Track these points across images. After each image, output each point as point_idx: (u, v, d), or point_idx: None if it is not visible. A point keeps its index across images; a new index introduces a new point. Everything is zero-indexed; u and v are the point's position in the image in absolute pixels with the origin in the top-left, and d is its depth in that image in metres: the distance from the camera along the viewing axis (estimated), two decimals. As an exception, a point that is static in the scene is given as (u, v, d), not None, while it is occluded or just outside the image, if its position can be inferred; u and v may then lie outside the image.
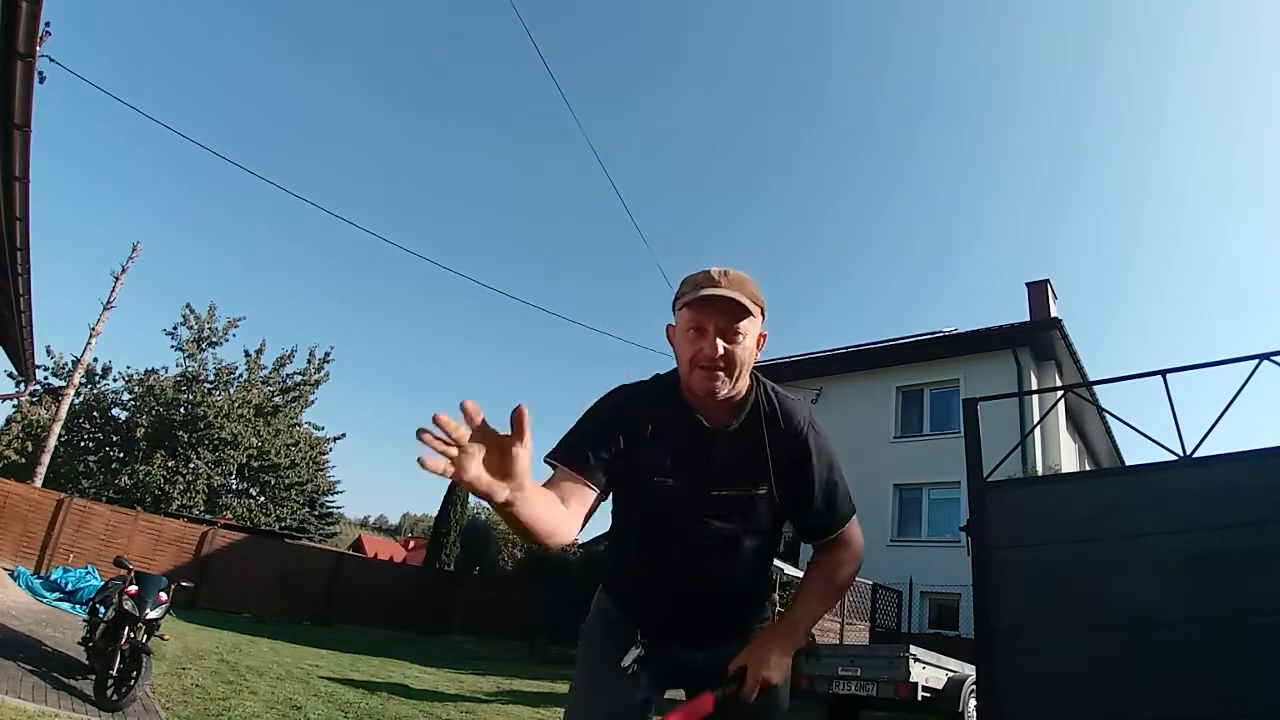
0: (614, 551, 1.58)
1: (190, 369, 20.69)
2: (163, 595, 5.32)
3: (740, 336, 1.27)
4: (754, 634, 1.48)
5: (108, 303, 17.15)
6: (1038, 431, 13.55)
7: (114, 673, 4.76)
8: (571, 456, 1.29)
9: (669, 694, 1.53)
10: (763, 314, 1.32)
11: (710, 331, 1.26)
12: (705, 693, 1.26)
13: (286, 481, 22.76)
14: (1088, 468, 17.59)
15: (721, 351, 1.26)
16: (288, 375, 22.70)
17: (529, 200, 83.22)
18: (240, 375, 21.58)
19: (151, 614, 5.13)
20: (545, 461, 1.31)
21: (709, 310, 1.26)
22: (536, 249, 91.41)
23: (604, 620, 1.55)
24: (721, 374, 1.27)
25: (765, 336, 1.36)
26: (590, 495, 1.27)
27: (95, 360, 19.72)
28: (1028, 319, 16.03)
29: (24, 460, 18.89)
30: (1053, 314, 15.64)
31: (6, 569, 10.69)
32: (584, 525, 1.26)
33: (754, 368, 1.37)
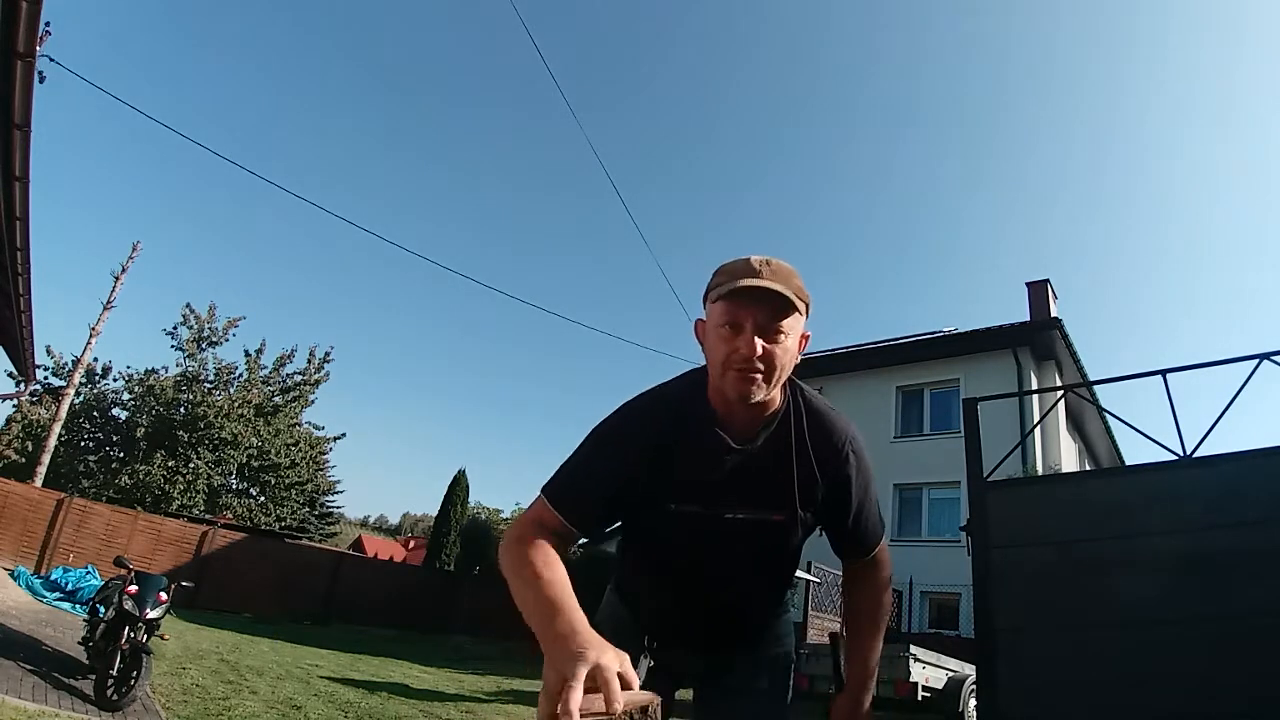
0: (623, 556, 1.52)
1: (190, 369, 20.68)
2: (163, 595, 5.32)
3: (782, 336, 1.11)
4: (766, 640, 1.48)
5: (108, 302, 17.16)
6: (1038, 431, 13.55)
7: (114, 672, 4.76)
8: (566, 505, 1.17)
9: (678, 695, 1.54)
10: (807, 311, 1.15)
11: (748, 328, 1.09)
12: None
13: (286, 481, 22.75)
14: (1088, 468, 17.58)
15: (760, 351, 1.09)
16: (288, 375, 22.69)
17: (529, 197, 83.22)
18: (240, 375, 21.56)
19: (151, 614, 5.13)
20: (544, 495, 1.20)
21: (747, 304, 1.09)
22: (536, 246, 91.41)
23: (613, 619, 1.51)
24: (759, 376, 1.11)
25: (808, 337, 1.20)
26: (576, 537, 1.18)
27: (95, 360, 19.72)
28: (1028, 319, 16.02)
29: (24, 460, 18.90)
30: (1053, 314, 15.64)
31: (6, 569, 10.69)
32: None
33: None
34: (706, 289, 1.17)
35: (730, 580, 1.34)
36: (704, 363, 1.24)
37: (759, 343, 1.09)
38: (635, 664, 1.35)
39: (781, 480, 1.23)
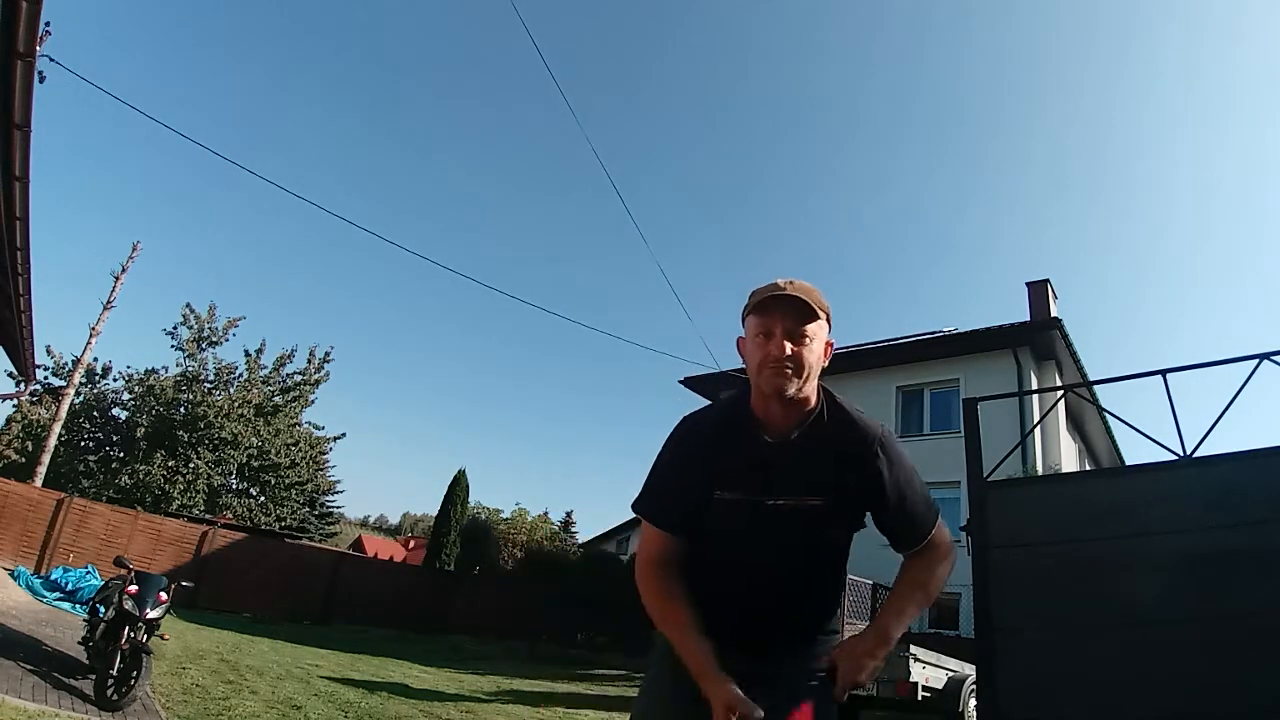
0: None
1: (190, 369, 20.68)
2: (163, 595, 5.32)
3: (807, 340, 1.30)
4: (820, 646, 1.46)
5: (108, 302, 17.16)
6: (1038, 431, 13.54)
7: (114, 672, 4.76)
8: (664, 520, 1.41)
9: None
10: (829, 321, 1.35)
11: (777, 333, 1.30)
12: (805, 704, 1.31)
13: (286, 481, 22.75)
14: (1088, 468, 17.58)
15: (789, 351, 1.28)
16: (288, 375, 22.69)
17: (529, 196, 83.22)
18: (240, 375, 21.57)
19: (152, 614, 5.13)
20: (634, 512, 1.43)
21: (775, 314, 1.30)
22: (536, 243, 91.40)
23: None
24: (789, 372, 1.28)
25: (832, 345, 1.38)
26: (681, 541, 1.41)
27: (95, 360, 19.73)
28: (1028, 319, 16.02)
29: (24, 460, 18.90)
30: (1053, 314, 15.63)
31: (6, 569, 10.69)
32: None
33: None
34: (743, 311, 1.39)
35: (774, 567, 1.43)
36: (747, 376, 1.43)
37: (788, 345, 1.29)
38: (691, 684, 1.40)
39: (816, 470, 1.37)
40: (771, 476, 1.37)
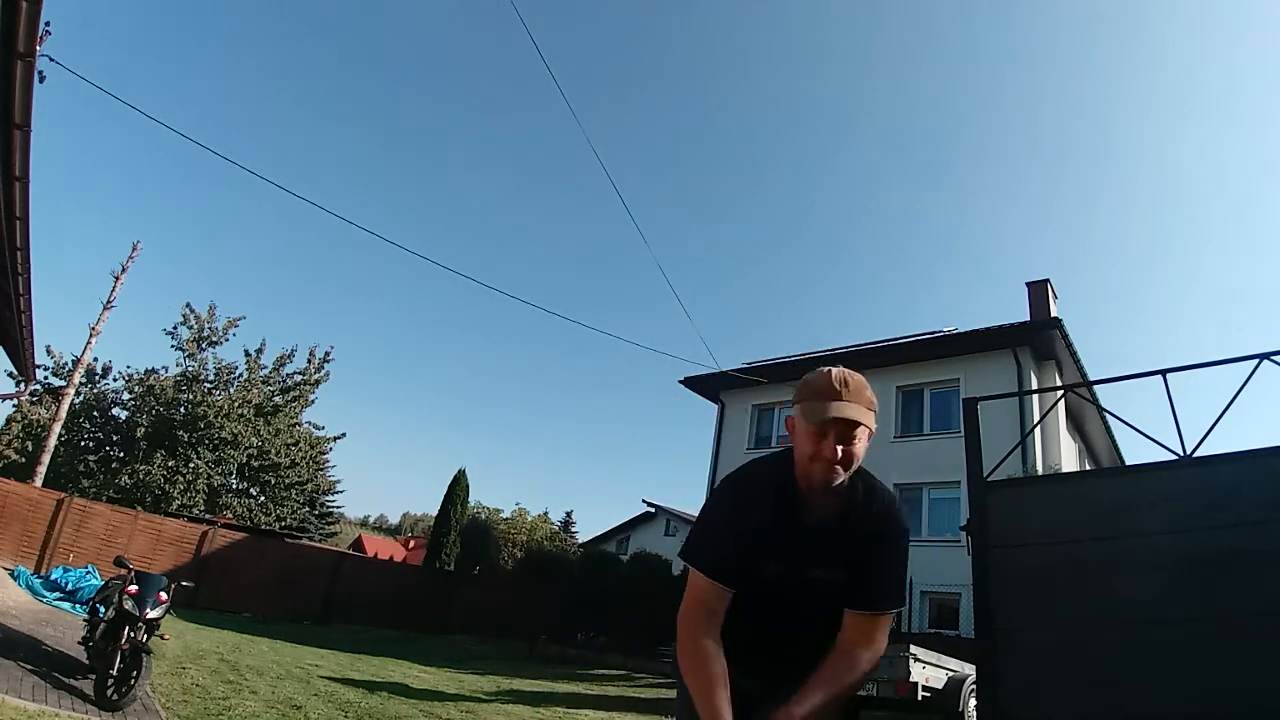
0: None
1: (190, 369, 20.68)
2: (163, 595, 5.32)
3: (856, 440, 1.41)
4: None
5: (108, 302, 17.16)
6: (1038, 431, 13.54)
7: (114, 672, 4.76)
8: (722, 575, 1.49)
9: None
10: (876, 413, 1.46)
11: (831, 436, 1.40)
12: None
13: (286, 481, 22.75)
14: (1088, 468, 17.58)
15: (840, 455, 1.39)
16: (288, 375, 22.69)
17: (529, 196, 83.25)
18: (240, 375, 21.57)
19: (151, 613, 5.13)
20: (684, 561, 1.53)
21: (832, 418, 1.40)
22: (535, 242, 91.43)
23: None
24: (839, 469, 1.41)
25: (873, 431, 1.48)
26: (729, 593, 1.49)
27: (95, 360, 19.73)
28: (1028, 319, 16.02)
29: (24, 460, 18.90)
30: (1053, 314, 15.63)
31: (6, 568, 10.69)
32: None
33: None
34: (796, 395, 1.49)
35: (792, 619, 1.58)
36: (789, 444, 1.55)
37: (839, 448, 1.40)
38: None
39: (846, 548, 1.50)
40: (810, 553, 1.50)
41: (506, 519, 24.15)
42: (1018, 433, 10.05)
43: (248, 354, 21.92)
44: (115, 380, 20.67)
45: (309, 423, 23.97)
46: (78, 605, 9.44)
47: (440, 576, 18.58)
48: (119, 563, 5.51)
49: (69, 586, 10.22)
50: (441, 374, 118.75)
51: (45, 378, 19.11)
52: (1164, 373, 3.55)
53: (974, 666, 5.35)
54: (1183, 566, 3.08)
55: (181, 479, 19.38)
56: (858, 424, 1.40)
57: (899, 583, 1.52)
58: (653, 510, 29.57)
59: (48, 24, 7.03)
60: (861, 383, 1.45)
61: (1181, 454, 3.29)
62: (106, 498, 17.14)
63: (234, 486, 22.24)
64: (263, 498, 22.78)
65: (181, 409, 19.90)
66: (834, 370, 1.45)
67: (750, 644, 1.57)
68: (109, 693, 4.70)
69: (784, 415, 18.89)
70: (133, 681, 4.64)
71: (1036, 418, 12.59)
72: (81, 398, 19.76)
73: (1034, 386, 14.26)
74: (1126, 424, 3.89)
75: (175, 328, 20.84)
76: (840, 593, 1.52)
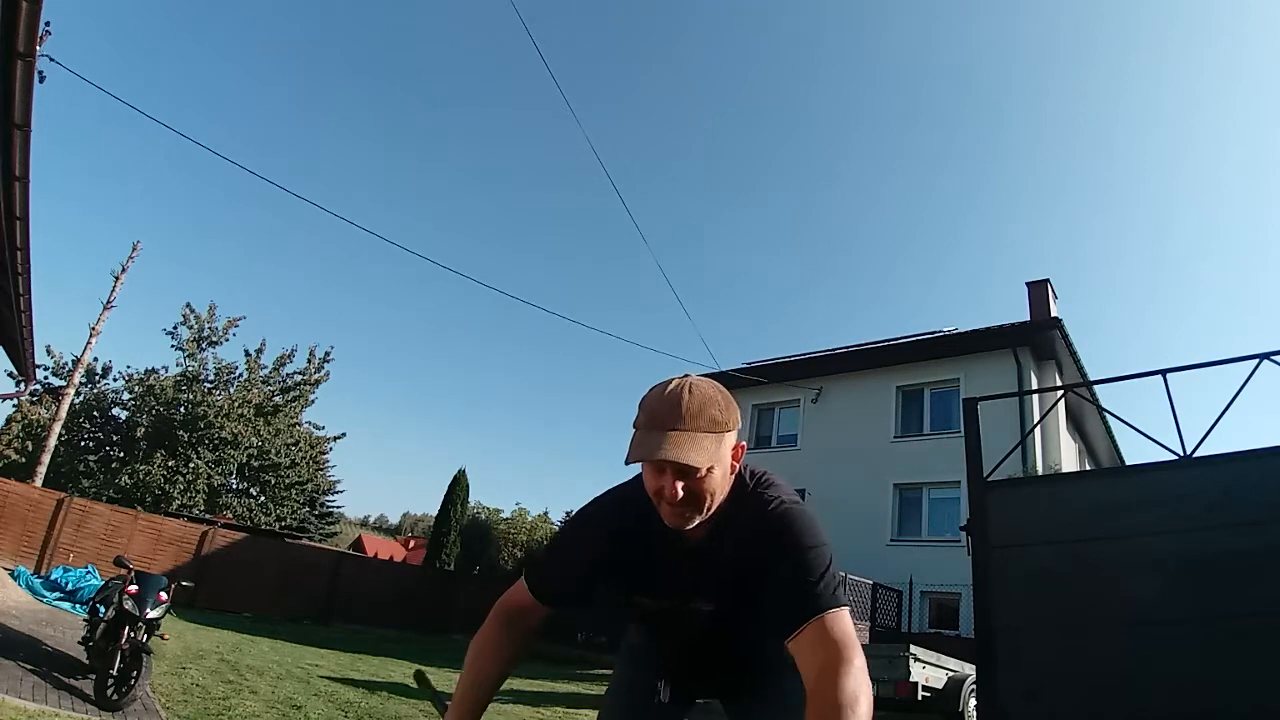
0: None
1: (190, 368, 20.68)
2: (163, 595, 5.32)
3: (700, 475, 1.12)
4: (783, 688, 1.41)
5: (108, 302, 17.16)
6: (1038, 431, 13.55)
7: (114, 672, 4.76)
8: (540, 595, 1.36)
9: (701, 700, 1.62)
10: (731, 431, 1.16)
11: (669, 473, 1.11)
12: None
13: (286, 481, 22.76)
14: (1088, 468, 17.59)
15: (681, 494, 1.11)
16: (288, 375, 22.70)
17: (528, 195, 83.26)
18: (240, 375, 21.57)
19: (152, 613, 5.13)
20: (523, 581, 1.38)
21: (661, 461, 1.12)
22: (535, 242, 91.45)
23: (631, 649, 1.68)
24: (685, 511, 1.15)
25: (742, 448, 1.22)
26: (543, 609, 1.37)
27: (95, 360, 19.73)
28: (1028, 319, 16.03)
29: (24, 460, 18.90)
30: (1053, 313, 15.64)
31: (7, 568, 10.69)
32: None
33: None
34: (635, 419, 1.17)
35: (702, 650, 1.47)
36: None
37: (679, 486, 1.11)
38: (655, 689, 1.53)
39: (721, 575, 1.29)
40: (678, 582, 1.33)
41: (506, 519, 24.14)
42: (1018, 433, 10.05)
43: (248, 354, 21.93)
44: (115, 380, 20.70)
45: (309, 423, 24.00)
46: (78, 605, 9.44)
47: (440, 576, 18.58)
48: (119, 563, 5.51)
49: (69, 586, 10.22)
50: (441, 374, 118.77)
51: (45, 378, 19.13)
52: (1164, 373, 3.55)
53: (974, 666, 5.35)
54: (1182, 566, 3.08)
55: (181, 479, 19.39)
56: (695, 466, 1.09)
57: (822, 584, 1.13)
58: (653, 510, 29.52)
59: (48, 24, 7.03)
60: (705, 399, 1.12)
61: (1181, 454, 3.29)
62: (106, 498, 17.14)
63: (234, 486, 22.25)
64: (263, 498, 22.79)
65: (181, 409, 19.91)
66: (671, 387, 1.14)
67: (674, 661, 1.54)
68: (109, 693, 4.70)
69: (784, 415, 18.92)
70: (133, 681, 4.64)
71: (1036, 418, 12.59)
72: (81, 398, 19.76)
73: (1034, 386, 14.27)
74: (1126, 424, 3.89)
75: (175, 328, 20.86)
76: (732, 622, 1.33)
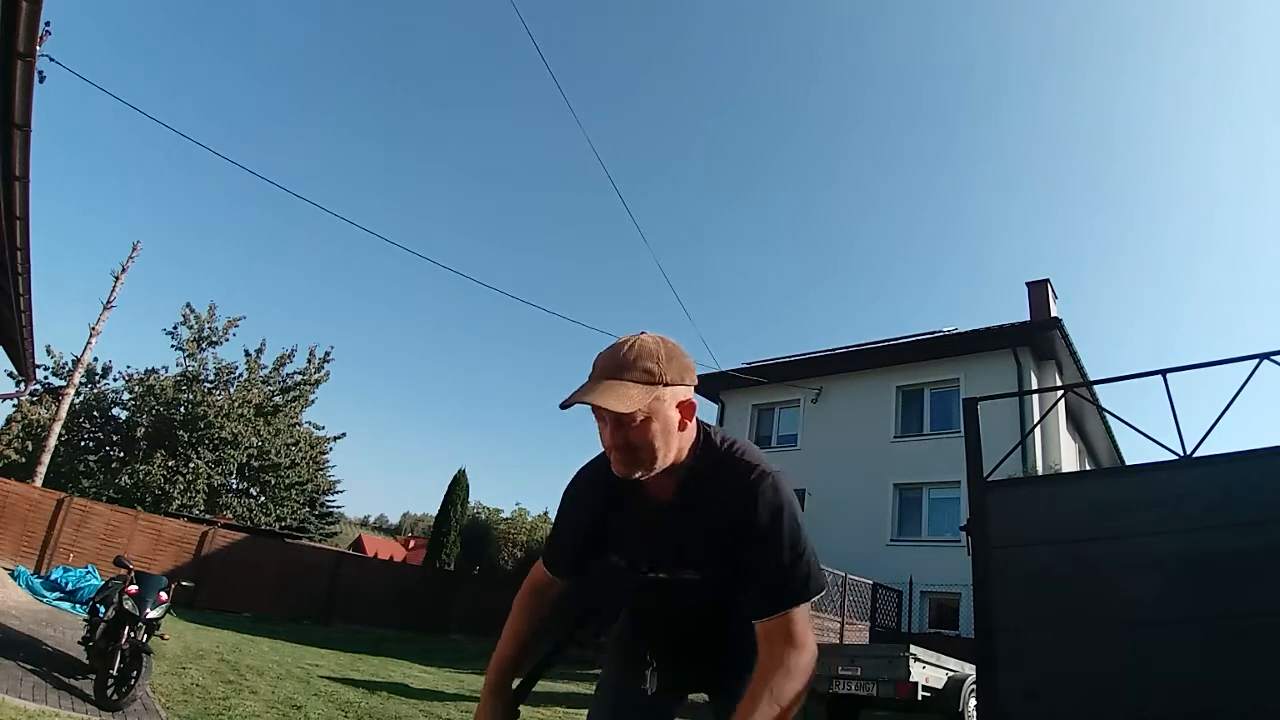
0: None
1: (190, 368, 20.68)
2: (163, 595, 5.32)
3: (636, 425, 1.13)
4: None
5: (108, 302, 17.16)
6: (1038, 431, 13.55)
7: (114, 672, 4.76)
8: (555, 567, 1.45)
9: (692, 697, 1.61)
10: (672, 384, 1.15)
11: (606, 420, 1.15)
12: None
13: (286, 481, 22.76)
14: (1088, 468, 17.59)
15: (620, 441, 1.15)
16: (288, 375, 22.70)
17: (529, 195, 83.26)
18: (240, 375, 21.57)
19: (152, 613, 5.13)
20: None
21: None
22: (535, 242, 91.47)
23: (618, 636, 1.68)
24: (628, 459, 1.17)
25: (691, 405, 1.21)
26: (558, 581, 1.45)
27: (95, 360, 19.73)
28: (1028, 319, 16.03)
29: (24, 460, 18.90)
30: (1053, 314, 15.64)
31: (7, 568, 10.69)
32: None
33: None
34: None
35: (678, 621, 1.47)
36: None
37: (612, 433, 1.15)
38: (641, 676, 1.51)
39: (693, 540, 1.29)
40: (651, 547, 1.34)
41: (506, 519, 24.12)
42: (1018, 433, 10.05)
43: (248, 354, 21.93)
44: (115, 380, 20.70)
45: (309, 423, 24.00)
46: (78, 605, 9.43)
47: (440, 576, 18.58)
48: (119, 563, 5.51)
49: (69, 586, 10.22)
50: (441, 374, 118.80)
51: (45, 378, 19.13)
52: (1164, 373, 3.55)
53: (974, 666, 5.35)
54: (1183, 566, 3.08)
55: (181, 479, 19.38)
56: (624, 413, 1.10)
57: (795, 569, 1.19)
58: (653, 510, 29.53)
59: (48, 24, 7.04)
60: (643, 352, 1.14)
61: (1181, 454, 3.29)
62: (106, 498, 17.14)
63: (234, 486, 22.25)
64: (263, 498, 22.79)
65: (181, 409, 19.90)
66: (618, 341, 1.19)
67: (649, 632, 1.55)
68: (109, 693, 4.70)
69: (784, 415, 18.92)
70: (133, 681, 4.64)
71: (1036, 418, 12.59)
72: (81, 398, 19.76)
73: (1034, 386, 14.27)
74: (1126, 424, 3.89)
75: (175, 328, 20.86)
76: (711, 590, 1.33)
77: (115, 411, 20.71)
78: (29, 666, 5.32)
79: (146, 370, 20.58)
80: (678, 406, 1.19)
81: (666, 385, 1.15)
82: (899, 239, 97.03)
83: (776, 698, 1.08)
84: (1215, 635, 2.93)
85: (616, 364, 1.13)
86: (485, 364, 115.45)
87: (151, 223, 62.29)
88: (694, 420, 1.24)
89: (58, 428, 16.52)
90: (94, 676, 5.06)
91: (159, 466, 19.05)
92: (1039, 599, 3.45)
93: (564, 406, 1.12)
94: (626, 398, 1.10)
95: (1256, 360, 3.30)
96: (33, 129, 4.08)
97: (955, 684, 7.44)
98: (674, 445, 1.20)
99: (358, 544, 41.46)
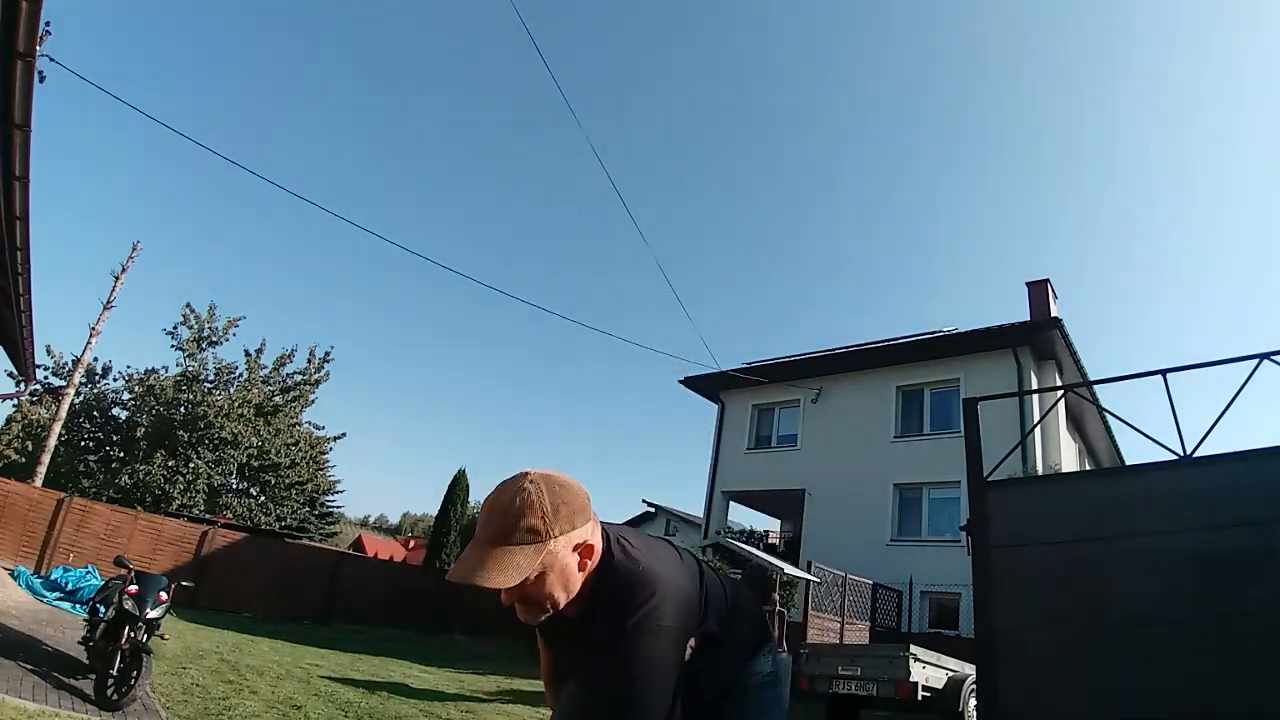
0: None
1: (190, 368, 20.66)
2: (163, 595, 5.32)
3: (531, 585, 1.11)
4: (753, 679, 1.51)
5: (108, 302, 17.16)
6: (1038, 431, 13.55)
7: (114, 672, 4.77)
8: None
9: None
10: (564, 533, 1.12)
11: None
12: None
13: (286, 481, 22.75)
14: (1088, 468, 17.58)
15: (519, 598, 1.13)
16: (288, 375, 22.67)
17: (530, 199, 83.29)
18: (240, 375, 21.54)
19: (152, 613, 5.13)
20: None
21: None
22: (536, 246, 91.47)
23: None
24: (529, 611, 1.16)
25: (590, 545, 1.18)
26: None
27: (95, 360, 19.70)
28: (1028, 319, 16.03)
29: (24, 460, 18.89)
30: (1053, 313, 15.63)
31: (7, 568, 10.69)
32: None
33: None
34: None
35: None
36: None
37: (512, 594, 1.12)
38: None
39: (586, 651, 1.28)
40: (572, 659, 1.36)
41: (506, 519, 24.11)
42: (1018, 433, 10.05)
43: (248, 354, 21.91)
44: (115, 380, 20.67)
45: (309, 423, 23.98)
46: (78, 605, 9.43)
47: (440, 577, 18.54)
48: (119, 563, 5.51)
49: (69, 586, 10.22)
50: (441, 374, 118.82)
51: (45, 378, 19.11)
52: (1164, 373, 3.55)
53: (974, 666, 5.35)
54: (1182, 566, 3.08)
55: (181, 479, 19.37)
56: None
57: (595, 713, 1.16)
58: (653, 510, 29.57)
59: (48, 24, 7.03)
60: (526, 507, 1.10)
61: (1181, 454, 3.29)
62: (106, 498, 17.13)
63: (234, 486, 22.24)
64: (263, 498, 22.78)
65: (181, 409, 19.89)
66: (497, 493, 1.14)
67: None
68: (109, 693, 4.70)
69: (784, 415, 18.92)
70: (133, 681, 4.65)
71: (1036, 418, 12.59)
72: (81, 398, 19.75)
73: (1034, 386, 14.26)
74: (1126, 424, 3.89)
75: (175, 328, 20.84)
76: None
77: (115, 411, 20.70)
78: (29, 666, 5.32)
79: (146, 370, 20.59)
80: (574, 549, 1.16)
81: (556, 537, 1.11)
82: (899, 239, 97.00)
83: None
84: (1215, 635, 2.93)
85: (500, 529, 1.09)
86: (485, 364, 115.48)
87: (152, 223, 62.36)
88: (595, 552, 1.20)
89: (58, 428, 16.52)
90: (94, 676, 5.06)
91: (159, 466, 19.04)
92: (1039, 599, 3.45)
93: (450, 580, 1.10)
94: (513, 567, 1.07)
95: (1256, 360, 3.30)
96: (33, 129, 4.07)
97: (955, 684, 7.44)
98: (576, 585, 1.18)
99: (358, 544, 41.46)
